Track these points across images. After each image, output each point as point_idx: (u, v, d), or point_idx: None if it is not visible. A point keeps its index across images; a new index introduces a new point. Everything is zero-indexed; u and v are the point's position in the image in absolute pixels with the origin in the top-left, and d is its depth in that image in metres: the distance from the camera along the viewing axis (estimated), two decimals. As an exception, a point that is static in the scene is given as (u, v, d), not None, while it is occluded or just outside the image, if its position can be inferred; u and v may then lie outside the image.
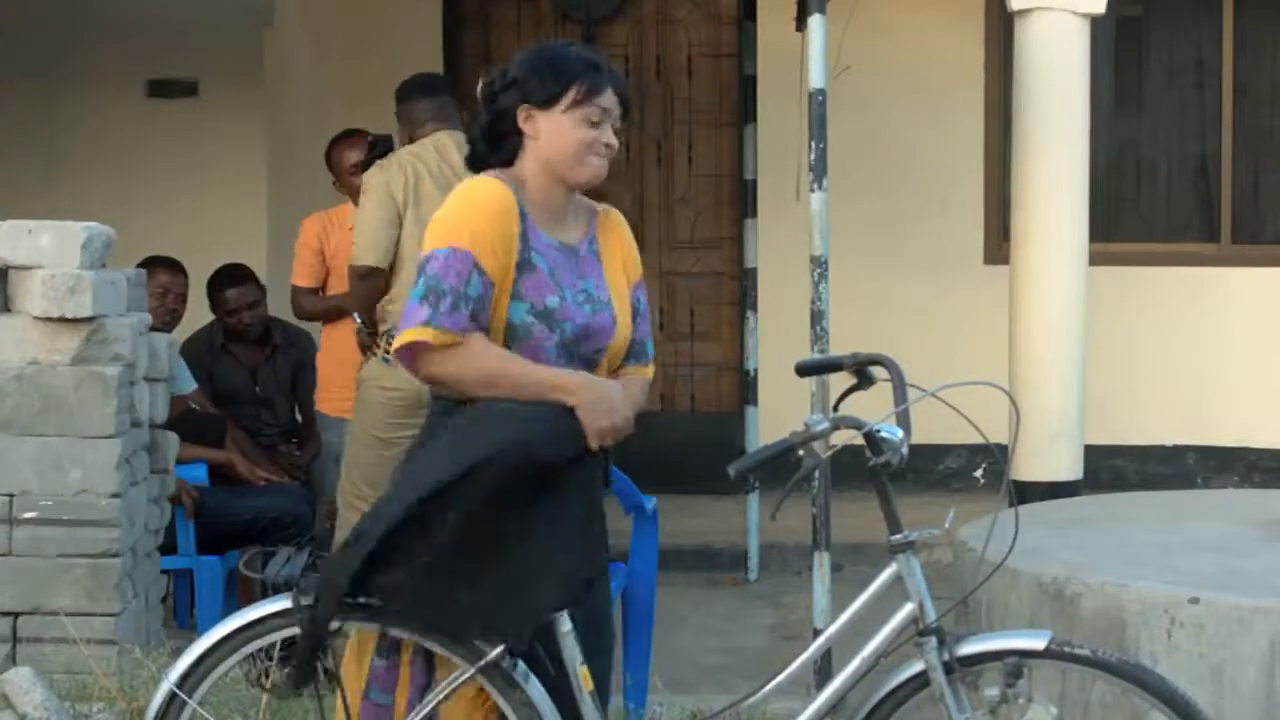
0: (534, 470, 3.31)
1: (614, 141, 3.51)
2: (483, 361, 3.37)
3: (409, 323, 3.37)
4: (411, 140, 5.86)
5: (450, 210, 3.44)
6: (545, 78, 3.47)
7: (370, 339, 5.78)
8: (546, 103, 3.46)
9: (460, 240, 3.36)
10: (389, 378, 5.64)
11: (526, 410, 3.34)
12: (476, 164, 3.56)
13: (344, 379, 6.08)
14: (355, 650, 3.51)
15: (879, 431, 3.38)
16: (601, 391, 3.42)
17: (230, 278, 6.80)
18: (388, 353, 5.64)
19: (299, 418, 7.00)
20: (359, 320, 5.76)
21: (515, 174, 3.50)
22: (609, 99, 3.49)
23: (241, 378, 6.82)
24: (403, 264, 5.62)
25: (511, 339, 3.42)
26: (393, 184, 5.62)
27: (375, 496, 5.56)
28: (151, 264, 6.34)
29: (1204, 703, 3.60)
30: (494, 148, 3.53)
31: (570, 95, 3.45)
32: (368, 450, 5.69)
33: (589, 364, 3.52)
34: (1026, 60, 7.35)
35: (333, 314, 6.45)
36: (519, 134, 3.49)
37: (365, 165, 5.88)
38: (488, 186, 3.45)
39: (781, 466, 3.57)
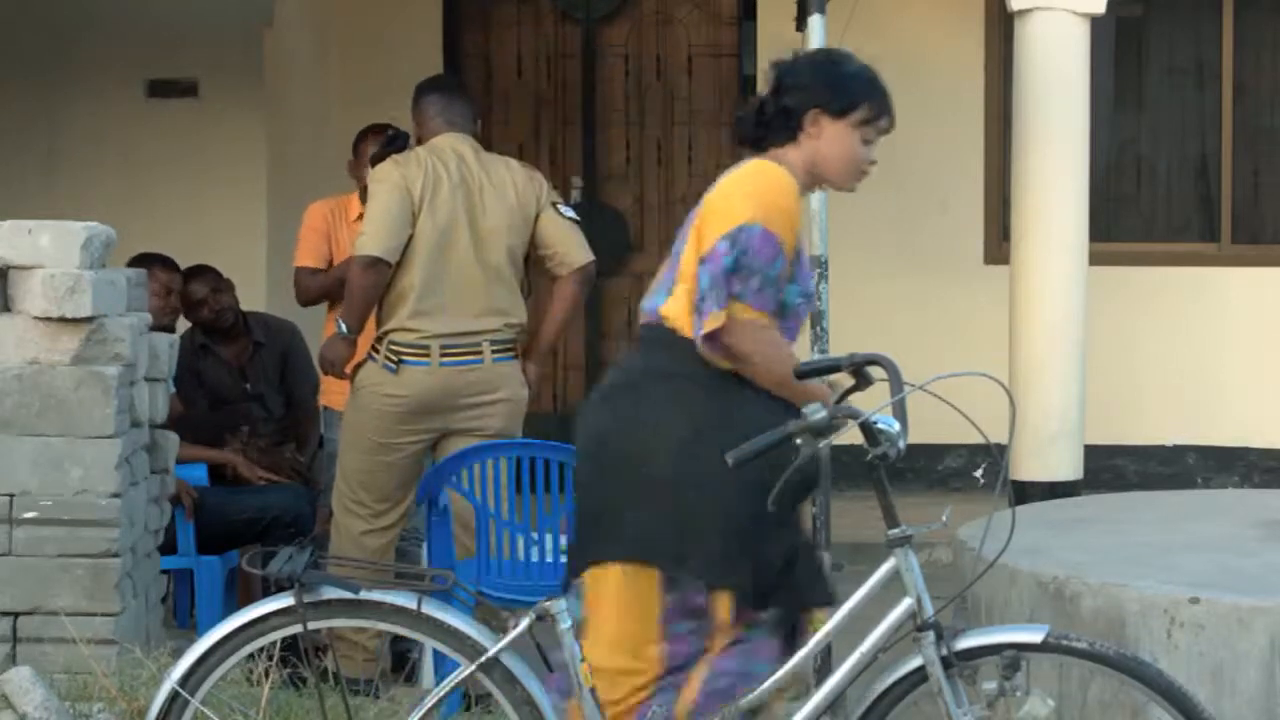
0: None
1: (875, 160, 3.80)
2: (781, 366, 3.60)
3: (719, 300, 3.52)
4: (420, 140, 5.82)
5: (754, 187, 3.63)
6: (839, 89, 3.71)
7: (350, 345, 5.66)
8: (840, 112, 3.70)
9: (771, 221, 3.57)
10: (391, 384, 5.56)
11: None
12: (740, 139, 3.81)
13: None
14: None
15: (876, 423, 3.41)
16: None
17: (188, 274, 6.75)
18: (389, 359, 5.60)
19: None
20: (342, 327, 5.62)
21: (781, 158, 3.71)
22: (886, 124, 3.77)
23: (231, 375, 6.80)
24: (409, 264, 5.55)
25: (780, 316, 3.64)
26: (411, 180, 5.52)
27: (372, 501, 5.62)
28: (148, 262, 6.27)
29: (1203, 702, 3.60)
30: (763, 133, 3.76)
31: (861, 111, 3.71)
32: (366, 456, 5.65)
33: None
34: (1026, 60, 7.35)
35: (338, 293, 6.25)
36: (796, 130, 3.71)
37: (379, 159, 5.75)
38: (783, 174, 3.65)
39: (782, 464, 3.57)
